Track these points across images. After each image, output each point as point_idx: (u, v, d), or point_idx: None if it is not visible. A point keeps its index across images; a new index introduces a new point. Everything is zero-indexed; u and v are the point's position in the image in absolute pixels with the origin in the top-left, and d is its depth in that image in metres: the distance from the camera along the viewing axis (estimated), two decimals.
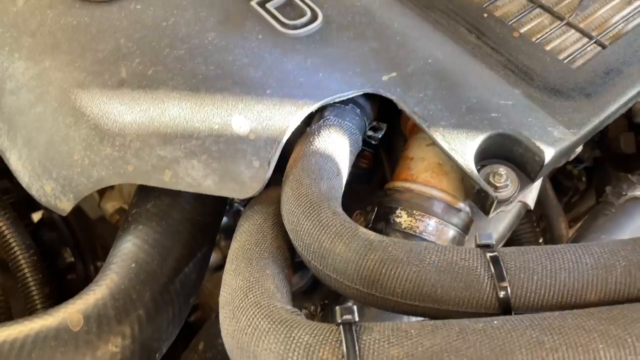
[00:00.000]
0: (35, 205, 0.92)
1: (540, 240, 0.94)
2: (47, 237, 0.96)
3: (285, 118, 0.56)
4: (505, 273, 0.43)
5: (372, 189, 0.77)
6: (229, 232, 0.74)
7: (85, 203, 0.94)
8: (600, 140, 1.07)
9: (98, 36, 0.62)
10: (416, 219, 0.59)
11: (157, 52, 0.61)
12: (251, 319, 0.41)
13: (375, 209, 0.62)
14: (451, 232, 0.59)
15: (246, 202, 0.71)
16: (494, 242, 0.45)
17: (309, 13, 0.65)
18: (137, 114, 0.57)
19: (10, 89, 0.61)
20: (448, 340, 0.38)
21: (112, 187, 0.88)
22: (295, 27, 0.64)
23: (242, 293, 0.43)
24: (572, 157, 0.73)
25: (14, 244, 0.63)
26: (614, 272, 0.41)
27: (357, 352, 0.37)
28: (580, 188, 1.07)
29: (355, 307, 0.40)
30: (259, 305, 0.41)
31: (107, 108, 0.57)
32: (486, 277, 0.43)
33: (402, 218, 0.59)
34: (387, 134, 0.75)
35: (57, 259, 0.95)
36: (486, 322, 0.39)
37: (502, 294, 0.42)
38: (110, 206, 0.91)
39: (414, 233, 0.59)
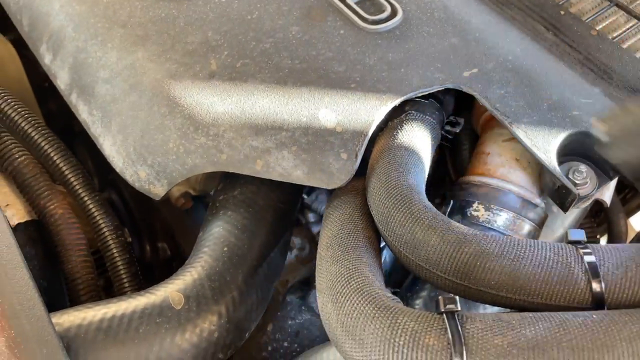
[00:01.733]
0: None
1: (597, 236, 0.95)
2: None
3: (370, 112, 0.58)
4: (599, 269, 0.44)
5: (438, 183, 0.78)
6: None
7: None
8: None
9: (186, 29, 0.65)
10: (493, 213, 0.60)
11: (244, 45, 0.63)
12: (356, 305, 0.43)
13: (451, 202, 0.64)
14: (527, 226, 0.61)
15: (309, 192, 0.74)
16: (585, 239, 0.47)
17: (389, 9, 0.66)
18: (228, 105, 0.59)
19: (105, 77, 0.64)
20: (550, 332, 0.39)
21: None
22: (375, 23, 0.65)
23: (343, 279, 0.45)
24: None
25: (102, 225, 0.67)
26: None
27: (462, 340, 0.39)
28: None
29: (457, 298, 0.42)
30: (362, 292, 0.44)
31: (200, 99, 0.59)
32: (580, 272, 0.44)
33: (480, 212, 0.61)
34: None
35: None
36: (586, 316, 0.40)
37: (596, 289, 0.44)
38: (176, 190, 0.94)
39: (490, 226, 0.60)
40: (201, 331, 0.52)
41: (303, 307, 0.77)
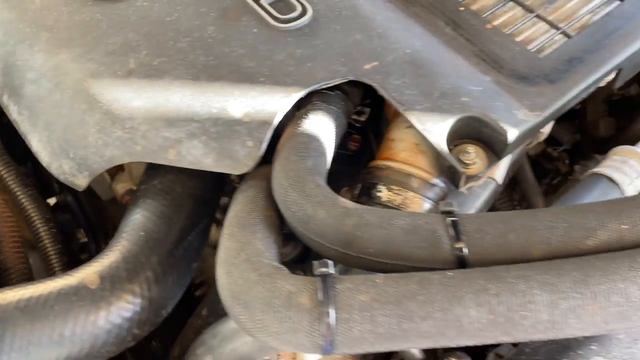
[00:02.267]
0: (50, 192, 1.00)
1: None
2: (61, 219, 1.03)
3: (276, 103, 0.63)
4: (461, 234, 0.49)
5: (360, 169, 0.83)
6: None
7: (97, 185, 1.01)
8: (580, 124, 1.13)
9: (109, 31, 0.69)
10: (395, 193, 0.65)
11: (162, 44, 0.68)
12: (242, 273, 0.48)
13: (360, 185, 0.69)
14: (426, 205, 0.66)
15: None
16: (455, 209, 0.52)
17: (299, 8, 0.72)
18: (144, 100, 0.63)
19: (31, 78, 0.68)
20: (408, 288, 0.45)
21: (122, 170, 0.95)
22: (286, 21, 0.70)
23: (235, 252, 0.50)
24: (542, 138, 0.80)
25: (35, 217, 0.71)
26: (555, 233, 0.48)
27: (330, 298, 0.44)
28: (562, 170, 1.13)
29: (330, 262, 0.47)
30: (249, 261, 0.48)
31: (118, 95, 0.64)
32: (446, 238, 0.49)
33: (383, 192, 0.66)
34: (376, 119, 0.82)
35: (71, 239, 1.02)
36: (442, 274, 0.46)
37: (458, 252, 0.49)
38: (120, 187, 0.98)
39: (392, 206, 0.65)
40: (116, 309, 0.56)
41: None
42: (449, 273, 0.46)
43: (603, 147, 1.01)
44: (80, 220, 1.04)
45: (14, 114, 0.69)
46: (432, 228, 0.50)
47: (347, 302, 0.44)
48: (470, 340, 0.45)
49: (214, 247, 0.92)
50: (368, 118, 0.82)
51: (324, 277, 0.46)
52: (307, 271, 0.72)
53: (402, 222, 0.51)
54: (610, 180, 0.67)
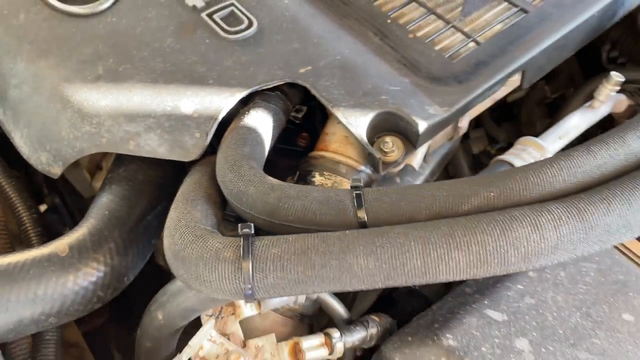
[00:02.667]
0: (41, 195, 1.10)
1: None
2: (50, 219, 1.13)
3: (222, 101, 0.74)
4: (363, 204, 0.60)
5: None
6: None
7: (80, 184, 1.12)
8: (518, 125, 1.25)
9: (81, 43, 0.81)
10: (326, 178, 0.76)
11: (127, 53, 0.79)
12: (181, 235, 0.58)
13: (298, 172, 0.80)
14: None
15: None
16: (362, 185, 0.63)
17: (246, 22, 0.83)
18: (109, 100, 0.74)
19: (14, 84, 0.79)
20: (313, 243, 0.55)
21: (100, 169, 1.05)
22: (235, 33, 0.82)
23: (177, 220, 0.61)
24: (462, 132, 0.91)
25: (17, 204, 0.81)
26: (437, 200, 0.59)
27: (249, 251, 0.55)
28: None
29: (252, 224, 0.57)
30: (187, 226, 0.59)
31: (87, 96, 0.75)
32: (350, 207, 0.60)
33: (316, 178, 0.77)
34: (323, 120, 0.93)
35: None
36: (341, 232, 0.56)
37: (360, 217, 0.60)
38: (99, 185, 1.09)
39: None
40: (83, 274, 0.66)
41: None
42: (347, 232, 0.56)
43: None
44: (66, 219, 1.15)
45: (0, 115, 0.80)
46: (340, 199, 0.61)
47: (263, 255, 0.55)
48: (363, 285, 0.55)
49: None
50: (317, 118, 0.93)
51: (246, 236, 0.56)
52: None
53: (317, 194, 0.62)
54: (511, 165, 0.78)
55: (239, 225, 0.57)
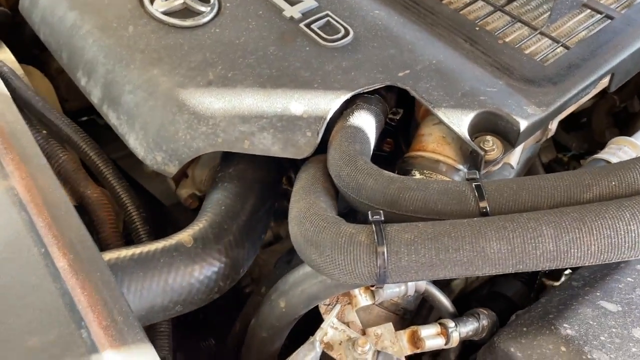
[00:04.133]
0: None
1: None
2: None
3: (328, 103, 0.78)
4: (485, 194, 0.62)
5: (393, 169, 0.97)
6: (277, 215, 0.97)
7: (162, 193, 1.17)
8: (587, 134, 1.26)
9: (190, 51, 0.86)
10: (426, 176, 0.79)
11: (234, 61, 0.84)
12: (313, 222, 0.61)
13: (396, 171, 0.82)
14: None
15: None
16: (478, 177, 0.65)
17: (342, 30, 0.88)
18: (222, 103, 0.79)
19: (129, 90, 0.84)
20: (443, 228, 0.58)
21: (185, 176, 1.10)
22: (333, 41, 0.86)
23: (304, 209, 0.64)
24: (550, 135, 0.93)
25: (128, 204, 0.85)
26: (558, 189, 0.61)
27: (383, 236, 0.58)
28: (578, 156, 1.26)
29: (381, 211, 0.60)
30: (317, 214, 0.62)
31: (202, 100, 0.80)
32: (472, 197, 0.63)
33: (416, 176, 0.79)
34: (405, 126, 0.96)
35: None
36: (470, 219, 0.59)
37: (482, 207, 0.62)
38: (184, 192, 1.13)
39: None
40: (208, 264, 0.70)
41: (287, 270, 0.95)
42: (476, 219, 0.59)
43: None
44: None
45: (113, 119, 0.86)
46: (460, 190, 0.63)
47: (397, 239, 0.57)
48: (494, 269, 0.57)
49: (266, 244, 1.06)
50: (399, 124, 0.96)
51: (377, 222, 0.59)
52: None
53: (436, 185, 0.64)
54: (607, 162, 0.80)
55: (369, 212, 0.60)
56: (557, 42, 0.88)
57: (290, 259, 0.97)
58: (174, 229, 1.22)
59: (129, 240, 0.86)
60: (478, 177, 0.66)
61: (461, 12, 0.94)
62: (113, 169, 0.88)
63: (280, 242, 1.09)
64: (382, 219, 0.60)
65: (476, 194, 0.63)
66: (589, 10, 0.93)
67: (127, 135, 0.84)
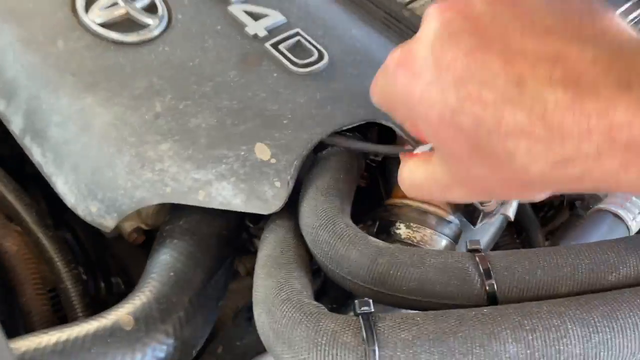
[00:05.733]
0: None
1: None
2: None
3: (300, 145, 0.66)
4: (491, 271, 0.52)
5: (370, 205, 0.86)
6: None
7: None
8: None
9: (133, 75, 0.71)
10: (413, 230, 0.68)
11: (186, 88, 0.70)
12: (284, 312, 0.49)
13: (377, 222, 0.71)
14: (444, 241, 0.69)
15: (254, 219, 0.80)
16: (482, 247, 0.55)
17: (316, 53, 0.75)
18: (172, 142, 0.65)
19: (57, 122, 0.69)
20: (448, 325, 0.47)
21: None
22: (305, 66, 0.74)
23: (274, 291, 0.51)
24: None
25: (56, 259, 0.71)
26: (579, 269, 0.51)
27: (374, 336, 0.46)
28: (555, 204, 1.18)
29: (370, 301, 0.48)
30: (290, 301, 0.50)
31: (146, 138, 0.66)
32: (476, 275, 0.52)
33: (402, 230, 0.68)
34: (382, 157, 0.85)
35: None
36: (478, 311, 0.48)
37: (489, 288, 0.51)
38: (128, 225, 0.98)
39: (411, 243, 0.68)
40: (151, 349, 0.56)
41: (250, 328, 0.82)
42: (485, 310, 0.48)
43: None
44: (79, 258, 1.04)
45: (37, 156, 0.70)
46: (462, 266, 0.52)
47: (390, 340, 0.46)
48: None
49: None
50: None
51: (366, 315, 0.47)
52: (329, 305, 0.74)
53: (434, 260, 0.53)
54: (616, 216, 0.71)
55: (356, 301, 0.48)
56: None
57: (251, 315, 0.85)
58: (116, 266, 1.08)
59: (56, 302, 0.72)
60: (481, 247, 0.55)
61: None
62: (38, 215, 0.73)
63: (237, 280, 0.96)
64: (372, 309, 0.48)
65: (482, 272, 0.52)
66: None
67: (54, 176, 0.69)
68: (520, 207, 1.03)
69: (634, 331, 0.46)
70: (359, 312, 0.48)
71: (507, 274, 0.52)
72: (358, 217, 0.75)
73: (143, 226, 0.95)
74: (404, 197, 0.71)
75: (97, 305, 0.77)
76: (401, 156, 0.57)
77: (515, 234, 1.06)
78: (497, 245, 0.95)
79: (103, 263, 1.07)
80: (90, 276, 1.05)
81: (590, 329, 0.46)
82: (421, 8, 0.87)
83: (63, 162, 0.68)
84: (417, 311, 0.50)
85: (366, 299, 0.48)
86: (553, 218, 1.22)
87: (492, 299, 0.51)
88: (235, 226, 0.71)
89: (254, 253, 0.91)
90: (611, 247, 0.52)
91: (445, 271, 0.52)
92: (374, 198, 0.88)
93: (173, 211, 0.70)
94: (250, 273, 0.93)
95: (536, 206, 1.16)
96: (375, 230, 0.71)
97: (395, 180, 0.76)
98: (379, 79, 0.51)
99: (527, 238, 1.02)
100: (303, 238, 0.60)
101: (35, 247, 0.72)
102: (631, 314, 0.46)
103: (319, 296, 0.76)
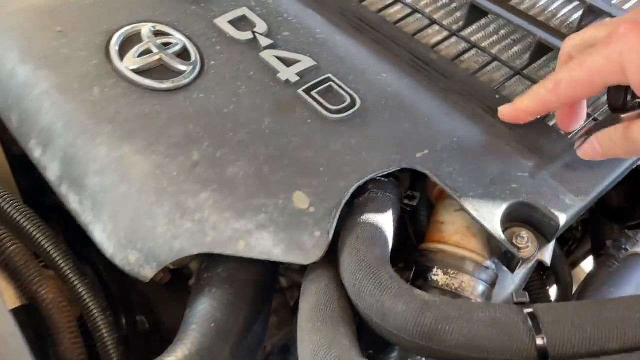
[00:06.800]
0: None
1: (547, 287, 1.04)
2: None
3: (338, 192, 0.66)
4: (541, 326, 0.52)
5: (399, 248, 0.86)
6: None
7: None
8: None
9: (169, 123, 0.72)
10: (451, 277, 0.68)
11: (223, 136, 0.71)
12: None
13: (414, 268, 0.71)
14: (481, 287, 0.68)
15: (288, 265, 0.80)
16: (529, 300, 0.54)
17: (348, 99, 0.76)
18: (211, 191, 0.66)
19: (94, 170, 0.70)
20: None
21: None
22: (338, 112, 0.74)
23: (324, 348, 0.51)
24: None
25: (92, 307, 0.71)
26: (630, 324, 0.51)
27: None
28: (577, 236, 1.18)
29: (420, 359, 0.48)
30: (342, 359, 0.50)
31: (185, 187, 0.66)
32: (525, 330, 0.52)
33: (439, 276, 0.68)
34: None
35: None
36: None
37: (540, 344, 0.51)
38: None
39: (449, 289, 0.67)
40: None
41: None
42: None
43: (613, 215, 1.07)
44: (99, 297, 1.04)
45: (74, 204, 0.71)
46: (512, 321, 0.52)
47: None
48: None
49: None
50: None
51: None
52: (366, 352, 0.73)
53: (482, 315, 0.53)
54: None
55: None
56: (589, 115, 0.78)
57: (284, 358, 0.84)
58: (140, 304, 1.07)
59: (89, 346, 0.71)
60: (528, 300, 0.55)
61: (478, 75, 0.84)
62: (73, 262, 0.73)
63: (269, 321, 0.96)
64: None
65: (531, 327, 0.52)
66: None
67: (92, 225, 0.69)
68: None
69: None
70: None
71: (557, 330, 0.51)
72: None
73: (170, 266, 0.95)
74: (439, 241, 0.71)
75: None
76: (626, 119, 0.63)
77: (541, 269, 1.06)
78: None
79: (125, 299, 1.06)
80: (111, 312, 1.05)
81: None
82: (447, 50, 0.89)
83: (101, 210, 0.68)
84: None
85: (418, 357, 0.48)
86: (575, 251, 1.21)
87: (543, 356, 0.51)
88: (272, 272, 0.71)
89: (279, 291, 0.91)
90: None
91: (494, 326, 0.52)
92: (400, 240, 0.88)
93: (209, 258, 0.70)
94: (276, 311, 0.93)
95: (560, 240, 1.16)
96: (411, 275, 0.71)
97: (428, 221, 0.77)
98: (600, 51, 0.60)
99: (554, 273, 1.02)
100: (345, 289, 0.60)
101: (71, 294, 0.71)
102: None
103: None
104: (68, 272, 0.71)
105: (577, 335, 0.51)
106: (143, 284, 1.06)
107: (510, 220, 0.69)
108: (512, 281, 0.81)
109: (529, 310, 0.53)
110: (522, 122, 0.74)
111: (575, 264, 1.27)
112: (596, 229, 1.09)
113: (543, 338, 0.51)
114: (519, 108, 0.71)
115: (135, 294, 1.07)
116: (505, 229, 0.69)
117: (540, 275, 1.02)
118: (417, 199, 0.75)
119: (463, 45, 0.89)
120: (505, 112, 0.74)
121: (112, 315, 0.74)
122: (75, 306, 0.71)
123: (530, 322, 0.52)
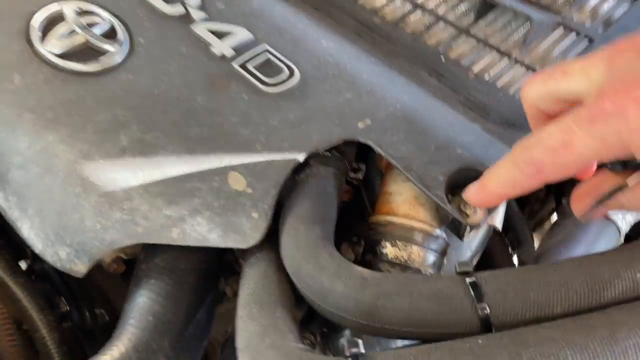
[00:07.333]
0: (23, 256, 0.95)
1: (510, 251, 1.03)
2: (40, 289, 0.99)
3: (276, 170, 0.63)
4: (483, 295, 0.50)
5: (354, 220, 0.84)
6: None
7: None
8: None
9: (95, 108, 0.68)
10: (400, 249, 0.66)
11: (152, 118, 0.67)
12: (270, 359, 0.47)
13: (363, 242, 0.69)
14: (431, 257, 0.66)
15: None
16: (472, 269, 0.52)
17: (287, 71, 0.72)
18: (141, 178, 0.62)
19: (17, 163, 0.65)
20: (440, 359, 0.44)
21: None
22: (275, 85, 0.71)
23: (258, 337, 0.49)
24: None
25: (28, 307, 0.67)
26: (572, 287, 0.49)
27: None
28: (540, 196, 1.17)
29: (360, 341, 0.46)
30: (275, 347, 0.47)
31: (113, 175, 0.62)
32: (468, 301, 0.50)
33: (388, 249, 0.66)
34: (365, 169, 0.82)
35: (52, 308, 0.98)
36: (472, 342, 0.46)
37: (482, 314, 0.49)
38: (107, 256, 0.95)
39: (398, 262, 0.65)
40: None
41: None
42: (479, 340, 0.46)
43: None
44: (61, 289, 1.00)
45: (0, 200, 0.67)
46: (452, 292, 0.50)
47: None
48: None
49: None
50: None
51: (355, 357, 0.45)
52: (317, 334, 0.71)
53: (422, 287, 0.51)
54: (605, 217, 0.69)
55: (345, 343, 0.46)
56: (534, 70, 0.76)
57: None
58: (99, 296, 1.04)
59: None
60: (471, 269, 0.53)
61: (422, 38, 0.81)
62: (5, 259, 0.69)
63: (225, 302, 0.93)
64: (362, 351, 0.46)
65: (473, 296, 0.50)
66: (563, 30, 0.82)
67: (19, 222, 0.65)
68: (507, 207, 1.01)
69: (635, 353, 0.44)
70: (348, 354, 0.45)
71: (500, 298, 0.50)
72: (344, 233, 0.73)
73: (123, 255, 0.92)
74: (388, 213, 0.69)
75: (84, 336, 0.73)
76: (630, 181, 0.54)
77: (504, 233, 1.04)
78: (487, 248, 0.94)
79: (86, 293, 1.03)
80: (74, 307, 1.02)
81: (590, 354, 0.44)
82: (392, 14, 0.85)
83: (27, 206, 0.64)
84: (408, 347, 0.47)
85: (355, 339, 0.46)
86: (540, 210, 1.20)
87: (486, 325, 0.49)
88: (215, 257, 0.68)
89: (240, 273, 0.88)
90: (604, 261, 0.50)
91: (435, 299, 0.50)
92: (358, 211, 0.86)
93: (147, 248, 0.66)
94: (237, 294, 0.90)
95: (522, 200, 1.15)
96: (361, 250, 0.69)
97: (374, 192, 0.74)
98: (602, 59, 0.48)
99: (514, 236, 1.01)
100: (285, 270, 0.57)
101: (4, 294, 0.68)
102: (632, 334, 0.44)
103: (307, 322, 0.74)
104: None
105: (520, 302, 0.49)
106: (100, 277, 1.03)
107: (457, 186, 0.66)
108: (469, 247, 0.79)
109: (471, 279, 0.51)
110: (491, 207, 0.62)
111: (541, 223, 1.26)
112: (557, 186, 1.09)
113: (485, 307, 0.49)
114: (490, 191, 0.58)
115: (94, 287, 1.04)
116: (453, 195, 0.67)
117: (502, 239, 1.01)
118: (363, 172, 0.73)
119: (408, 7, 0.86)
120: (472, 195, 0.60)
121: (53, 314, 0.71)
122: (10, 306, 0.68)
123: (472, 291, 0.50)
